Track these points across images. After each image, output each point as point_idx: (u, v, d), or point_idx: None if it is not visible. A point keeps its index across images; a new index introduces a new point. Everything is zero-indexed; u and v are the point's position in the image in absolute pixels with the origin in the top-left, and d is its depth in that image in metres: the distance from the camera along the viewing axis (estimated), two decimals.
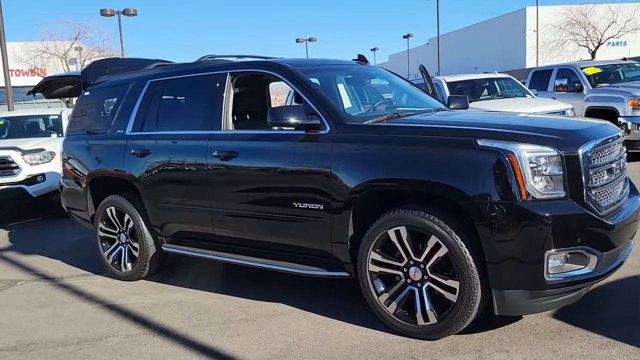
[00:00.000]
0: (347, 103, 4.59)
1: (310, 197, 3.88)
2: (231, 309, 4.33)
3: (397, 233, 3.49)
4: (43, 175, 8.60)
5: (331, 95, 4.34)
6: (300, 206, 3.93)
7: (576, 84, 11.52)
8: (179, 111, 5.01)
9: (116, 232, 5.36)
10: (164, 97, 5.02)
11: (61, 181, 6.01)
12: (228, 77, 4.54)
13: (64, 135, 5.95)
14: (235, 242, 4.51)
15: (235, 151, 4.29)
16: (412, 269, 3.51)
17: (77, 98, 6.12)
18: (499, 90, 11.71)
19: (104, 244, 5.45)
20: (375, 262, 3.62)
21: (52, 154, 8.79)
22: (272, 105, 5.79)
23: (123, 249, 5.31)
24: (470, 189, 3.21)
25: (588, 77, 11.63)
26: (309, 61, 5.30)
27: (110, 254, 5.39)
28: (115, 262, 5.36)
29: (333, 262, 3.93)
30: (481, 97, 11.49)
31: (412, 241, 3.47)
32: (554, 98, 11.29)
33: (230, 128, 4.51)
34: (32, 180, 8.51)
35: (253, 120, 5.37)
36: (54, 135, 9.83)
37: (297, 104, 4.10)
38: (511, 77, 12.08)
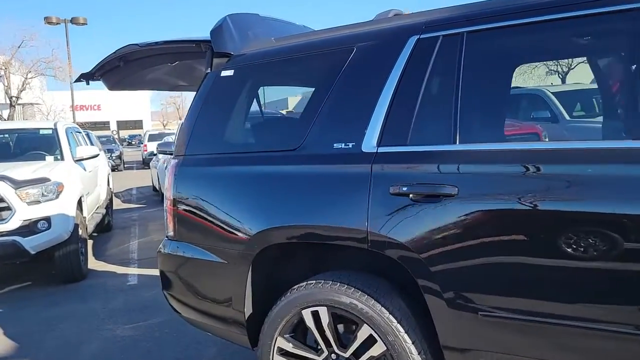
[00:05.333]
0: None
1: None
2: None
3: None
4: (47, 219, 5.47)
5: None
6: None
7: None
8: (537, 100, 2.30)
9: (320, 357, 2.52)
10: (471, 71, 2.28)
11: (164, 246, 3.06)
12: None
13: (176, 154, 2.98)
14: None
15: None
16: None
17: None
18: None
19: None
20: None
21: (60, 186, 5.70)
22: None
23: None
24: None
25: None
26: None
27: None
28: None
29: None
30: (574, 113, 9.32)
31: None
32: None
33: None
34: (30, 228, 5.38)
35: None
36: (49, 159, 6.67)
37: None
38: None
